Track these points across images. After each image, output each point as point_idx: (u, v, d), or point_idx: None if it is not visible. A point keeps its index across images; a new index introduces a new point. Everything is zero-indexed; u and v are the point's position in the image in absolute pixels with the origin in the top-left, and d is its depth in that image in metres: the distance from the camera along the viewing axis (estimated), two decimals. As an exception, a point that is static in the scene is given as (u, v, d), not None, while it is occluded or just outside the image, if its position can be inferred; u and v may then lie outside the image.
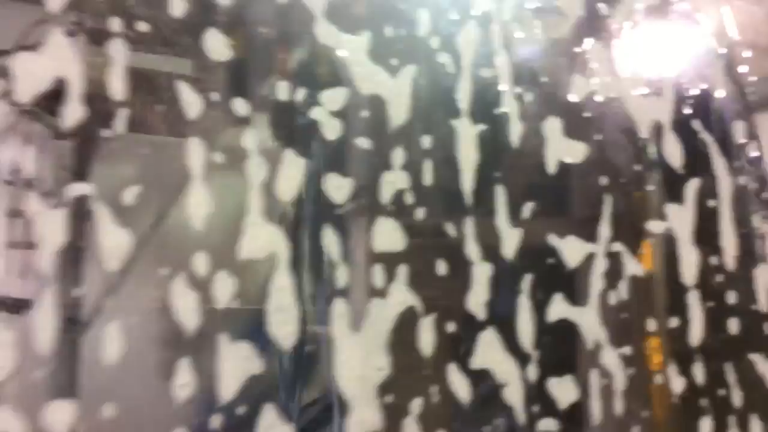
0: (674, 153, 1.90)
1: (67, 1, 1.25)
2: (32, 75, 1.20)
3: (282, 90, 1.55)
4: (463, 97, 1.69)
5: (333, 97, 1.57)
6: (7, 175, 2.62)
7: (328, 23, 1.57)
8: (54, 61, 1.22)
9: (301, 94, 1.57)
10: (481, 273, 1.60)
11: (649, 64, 1.90)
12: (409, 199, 1.59)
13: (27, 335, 1.16)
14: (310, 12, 1.57)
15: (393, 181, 1.57)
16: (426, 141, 1.65)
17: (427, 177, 1.62)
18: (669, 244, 1.89)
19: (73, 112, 1.25)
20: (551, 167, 1.74)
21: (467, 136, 1.67)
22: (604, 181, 1.81)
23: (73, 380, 1.36)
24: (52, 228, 1.17)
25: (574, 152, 1.78)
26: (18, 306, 1.30)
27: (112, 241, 1.22)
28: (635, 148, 1.86)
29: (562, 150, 1.76)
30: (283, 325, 1.39)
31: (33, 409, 1.17)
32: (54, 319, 1.16)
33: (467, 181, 1.64)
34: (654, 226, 1.84)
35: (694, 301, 1.85)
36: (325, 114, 1.56)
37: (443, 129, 1.68)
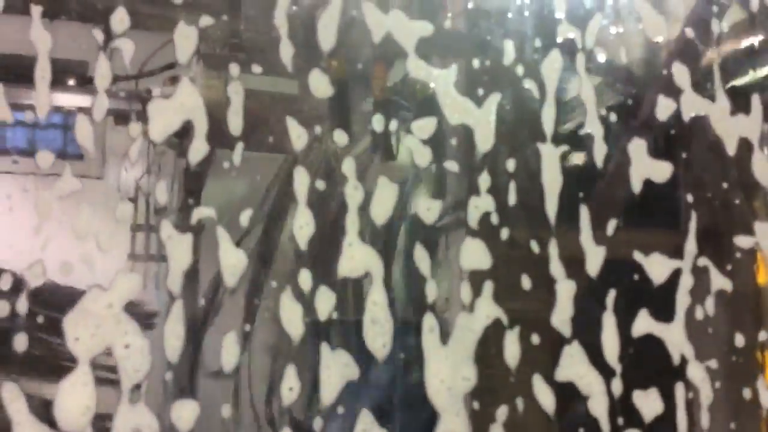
0: (764, 171, 1.98)
1: (193, 53, 1.48)
2: (164, 118, 1.45)
3: (377, 121, 1.74)
4: (548, 121, 1.83)
5: (423, 127, 1.75)
6: (130, 192, 2.92)
7: (418, 58, 1.74)
8: (183, 106, 1.46)
9: (393, 125, 1.76)
10: (565, 290, 1.74)
11: (734, 82, 1.99)
12: (495, 220, 1.75)
13: (158, 343, 1.39)
14: (402, 48, 1.76)
15: (479, 205, 1.74)
16: (510, 165, 1.80)
17: (512, 198, 1.77)
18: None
19: (198, 151, 1.49)
20: (636, 186, 1.86)
21: (552, 160, 1.81)
22: (689, 198, 1.91)
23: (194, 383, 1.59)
24: (180, 249, 1.40)
25: (660, 172, 1.89)
26: (148, 317, 1.53)
27: (230, 260, 1.45)
28: (722, 165, 1.95)
29: (647, 170, 1.88)
30: (378, 336, 1.58)
31: (162, 407, 1.40)
32: (181, 329, 1.39)
33: (552, 203, 1.79)
34: (742, 241, 1.92)
35: (785, 318, 1.92)
36: (416, 142, 1.74)
37: (528, 152, 1.83)
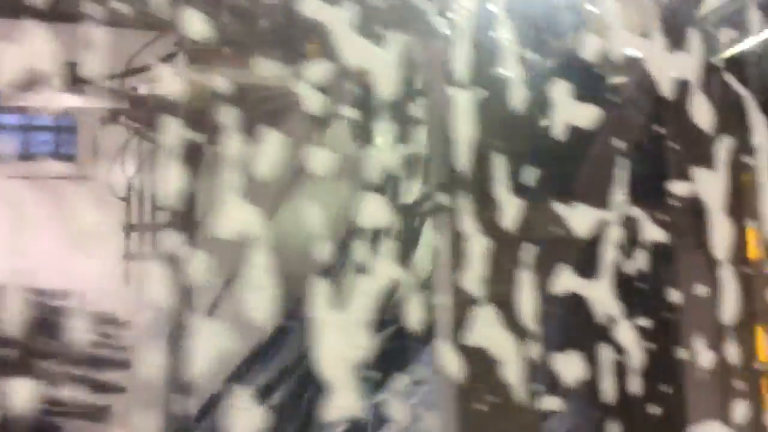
0: (703, 113, 1.81)
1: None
2: (9, 64, 1.30)
3: (264, 66, 1.58)
4: (461, 63, 1.67)
5: (315, 71, 1.58)
6: (122, 192, 2.82)
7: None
8: (31, 51, 1.32)
9: (284, 71, 1.59)
10: (477, 247, 1.58)
11: (672, 16, 1.81)
12: (399, 173, 1.59)
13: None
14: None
15: (379, 156, 1.58)
16: (418, 111, 1.64)
17: (419, 149, 1.62)
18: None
19: (50, 100, 1.35)
20: (559, 131, 1.69)
21: (464, 105, 1.65)
22: (618, 144, 1.74)
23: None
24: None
25: (585, 116, 1.72)
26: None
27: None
28: (655, 108, 1.78)
29: (571, 114, 1.71)
30: (261, 303, 1.43)
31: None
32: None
33: (463, 152, 1.63)
34: (677, 187, 1.75)
35: (727, 276, 1.75)
36: (308, 88, 1.57)
37: (438, 98, 1.67)
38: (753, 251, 1.98)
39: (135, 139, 2.94)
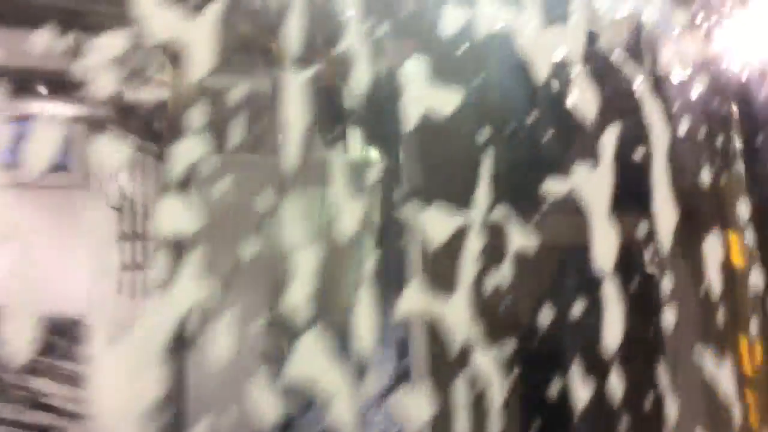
0: (586, 99, 1.58)
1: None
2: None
3: (42, 37, 1.29)
4: (293, 35, 1.39)
5: (109, 44, 1.29)
6: (115, 201, 2.60)
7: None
8: None
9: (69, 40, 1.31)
10: (305, 261, 1.31)
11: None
12: (207, 169, 1.31)
13: None
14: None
15: (187, 150, 1.30)
16: (237, 94, 1.37)
17: (236, 140, 1.34)
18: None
19: None
20: (411, 120, 1.44)
21: (295, 86, 1.38)
22: (484, 134, 1.50)
23: None
24: None
25: (444, 101, 1.47)
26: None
27: None
28: (529, 93, 1.54)
29: (426, 98, 1.46)
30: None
31: None
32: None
33: (293, 142, 1.36)
34: (552, 185, 1.51)
35: (611, 291, 1.53)
36: (99, 63, 1.29)
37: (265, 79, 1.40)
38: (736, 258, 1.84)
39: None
